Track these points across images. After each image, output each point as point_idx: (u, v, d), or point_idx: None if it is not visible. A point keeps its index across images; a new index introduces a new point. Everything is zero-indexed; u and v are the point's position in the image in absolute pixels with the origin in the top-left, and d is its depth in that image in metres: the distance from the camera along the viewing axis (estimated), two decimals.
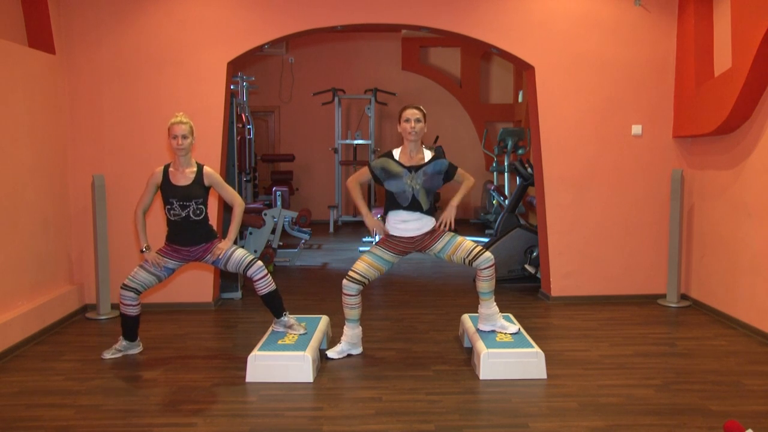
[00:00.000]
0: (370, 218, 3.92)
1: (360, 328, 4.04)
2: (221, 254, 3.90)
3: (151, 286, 3.96)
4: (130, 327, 4.03)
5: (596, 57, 5.32)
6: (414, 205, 3.80)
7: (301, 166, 10.91)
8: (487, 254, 3.84)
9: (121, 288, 3.90)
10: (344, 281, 3.87)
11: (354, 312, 3.93)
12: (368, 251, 3.91)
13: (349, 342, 4.02)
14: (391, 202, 3.86)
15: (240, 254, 3.91)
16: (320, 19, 5.20)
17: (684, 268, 5.46)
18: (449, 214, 3.89)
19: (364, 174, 3.92)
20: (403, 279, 6.51)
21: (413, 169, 3.80)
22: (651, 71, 5.37)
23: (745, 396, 3.42)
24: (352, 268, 3.86)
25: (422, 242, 3.89)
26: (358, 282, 3.84)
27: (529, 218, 7.66)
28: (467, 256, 3.83)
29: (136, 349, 4.13)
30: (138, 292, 3.90)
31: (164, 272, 3.93)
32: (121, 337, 4.09)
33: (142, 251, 3.91)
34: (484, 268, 3.85)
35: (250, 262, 3.90)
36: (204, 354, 4.16)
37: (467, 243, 3.87)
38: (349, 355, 4.02)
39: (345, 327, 4.02)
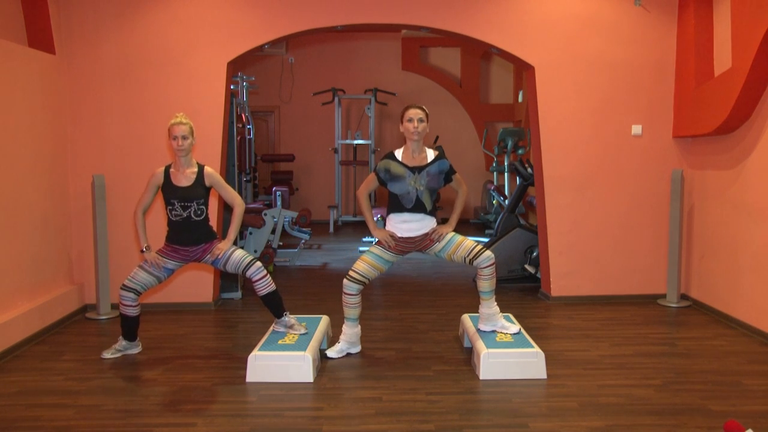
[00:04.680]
0: (378, 231, 3.92)
1: (359, 327, 4.05)
2: (221, 254, 3.90)
3: (151, 287, 3.97)
4: (129, 327, 4.04)
5: (596, 57, 5.32)
6: (418, 207, 3.81)
7: (301, 166, 10.90)
8: (488, 253, 3.85)
9: (121, 289, 3.91)
10: (345, 281, 3.88)
11: (354, 311, 3.94)
12: (368, 251, 3.92)
13: (348, 341, 4.03)
14: (394, 204, 3.85)
15: (239, 255, 3.92)
16: (320, 19, 5.20)
17: (684, 268, 5.46)
18: (446, 230, 3.90)
19: (372, 182, 3.93)
20: (403, 279, 6.51)
21: (417, 170, 3.80)
22: (651, 71, 5.37)
23: (745, 396, 3.43)
24: (353, 268, 3.87)
25: (422, 242, 3.89)
26: (358, 282, 3.85)
27: (529, 218, 7.65)
28: (468, 255, 3.84)
29: (135, 349, 4.14)
30: (138, 293, 3.91)
31: (164, 273, 3.94)
32: (120, 337, 4.10)
33: (142, 251, 3.92)
34: (485, 267, 3.85)
35: (250, 262, 3.91)
36: (204, 354, 4.16)
37: (468, 242, 3.88)
38: (348, 354, 4.03)
39: (344, 326, 4.02)
